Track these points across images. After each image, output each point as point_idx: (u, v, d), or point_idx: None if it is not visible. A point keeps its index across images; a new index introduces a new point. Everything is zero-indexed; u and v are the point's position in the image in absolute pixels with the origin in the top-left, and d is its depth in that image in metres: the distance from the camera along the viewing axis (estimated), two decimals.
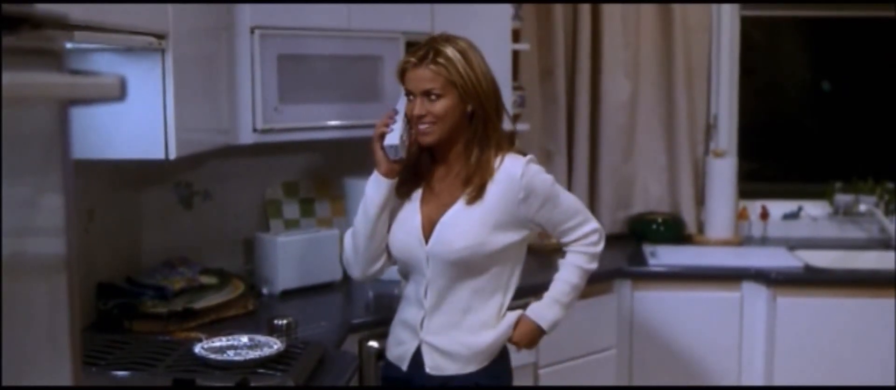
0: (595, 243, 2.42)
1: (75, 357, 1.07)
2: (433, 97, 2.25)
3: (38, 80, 0.93)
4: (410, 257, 2.35)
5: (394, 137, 2.29)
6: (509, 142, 2.38)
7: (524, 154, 2.34)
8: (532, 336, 2.40)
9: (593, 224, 2.42)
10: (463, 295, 2.30)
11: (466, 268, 2.28)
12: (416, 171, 2.38)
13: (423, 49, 2.28)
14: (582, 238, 2.40)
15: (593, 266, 2.44)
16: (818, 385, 3.40)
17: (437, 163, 2.37)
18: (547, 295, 2.41)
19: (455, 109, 2.26)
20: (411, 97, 2.29)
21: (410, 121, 2.30)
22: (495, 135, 2.32)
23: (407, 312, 2.39)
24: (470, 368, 2.32)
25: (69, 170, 1.04)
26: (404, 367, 2.37)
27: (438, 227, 2.29)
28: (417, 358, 2.35)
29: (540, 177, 2.31)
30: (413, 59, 2.28)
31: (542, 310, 2.39)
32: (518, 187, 2.27)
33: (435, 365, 2.33)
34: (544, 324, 2.39)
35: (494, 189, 2.28)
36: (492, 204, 2.27)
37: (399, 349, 2.40)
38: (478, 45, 2.34)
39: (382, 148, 2.32)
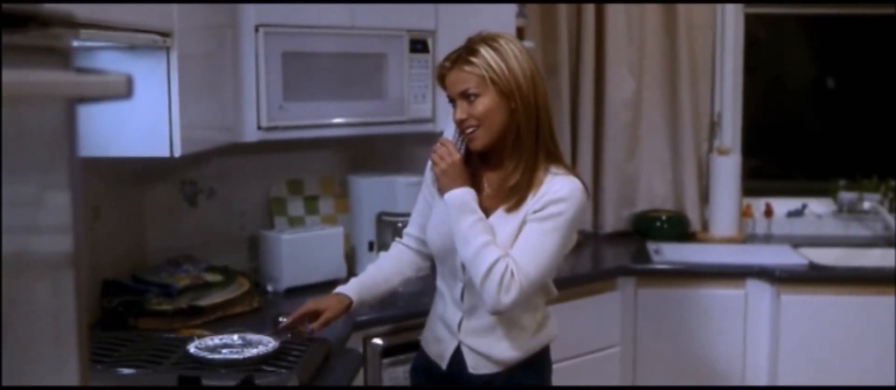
0: (508, 286, 2.14)
1: (82, 355, 1.08)
2: (471, 98, 2.19)
3: (45, 78, 0.93)
4: (447, 257, 2.31)
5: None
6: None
7: (581, 179, 2.25)
8: (454, 172, 2.22)
9: (523, 282, 2.14)
10: (509, 312, 2.22)
11: None
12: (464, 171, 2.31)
13: (458, 51, 2.24)
14: (513, 269, 2.15)
15: (488, 287, 2.13)
16: (823, 383, 3.40)
17: (490, 165, 2.31)
18: (483, 221, 2.21)
19: (497, 109, 2.18)
20: (453, 103, 2.25)
21: (459, 129, 2.25)
22: (542, 138, 2.21)
23: (444, 310, 2.36)
24: (512, 366, 2.30)
25: (76, 167, 1.05)
26: (444, 366, 2.35)
27: None
28: (457, 357, 2.32)
29: (568, 210, 2.18)
30: (447, 63, 2.23)
31: (470, 197, 2.21)
32: (543, 200, 2.19)
33: (477, 365, 2.31)
34: (457, 192, 2.21)
35: (532, 202, 2.21)
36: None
37: (438, 346, 2.38)
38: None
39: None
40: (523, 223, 2.21)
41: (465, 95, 2.20)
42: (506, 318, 2.26)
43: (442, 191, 2.25)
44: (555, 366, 3.20)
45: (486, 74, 2.17)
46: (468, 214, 2.19)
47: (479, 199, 2.26)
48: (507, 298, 2.14)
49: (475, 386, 2.31)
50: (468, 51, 2.20)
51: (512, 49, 2.20)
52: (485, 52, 2.18)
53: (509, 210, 2.23)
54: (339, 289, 2.42)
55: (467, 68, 2.18)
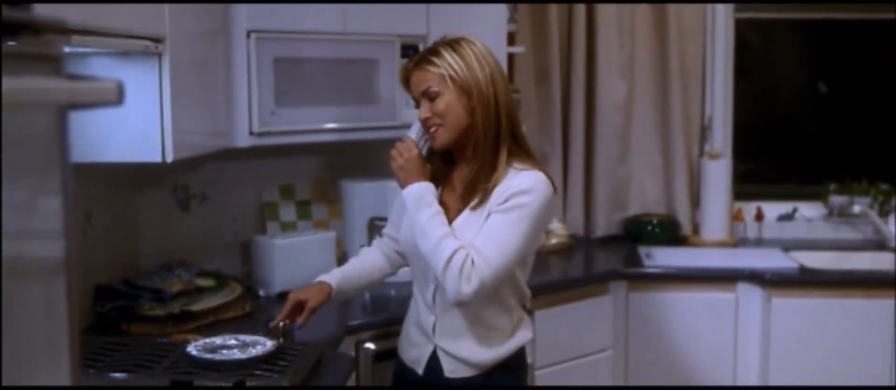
0: (468, 275, 2.14)
1: (74, 359, 1.08)
2: (432, 96, 2.23)
3: (37, 85, 0.94)
4: (419, 260, 2.32)
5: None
6: (526, 151, 2.29)
7: (547, 174, 2.25)
8: (411, 167, 2.25)
9: (485, 271, 2.13)
10: (472, 303, 2.23)
11: None
12: (433, 173, 2.33)
13: (421, 53, 2.30)
14: (472, 258, 2.15)
15: (449, 277, 2.14)
16: (813, 385, 3.42)
17: (457, 163, 2.34)
18: (441, 215, 2.23)
19: (457, 105, 2.22)
20: (417, 104, 2.29)
21: (424, 128, 2.29)
22: (503, 136, 2.24)
23: (418, 314, 2.37)
24: (489, 369, 2.31)
25: (68, 173, 1.05)
26: (420, 371, 2.36)
27: None
28: (433, 362, 2.33)
29: (533, 202, 2.19)
30: (410, 64, 2.29)
31: (427, 191, 2.24)
32: (506, 193, 2.20)
33: (453, 368, 2.31)
34: (414, 187, 2.24)
35: (496, 196, 2.22)
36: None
37: (414, 352, 2.39)
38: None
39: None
40: (488, 218, 2.22)
41: (427, 94, 2.25)
42: (481, 320, 2.28)
43: (400, 186, 2.28)
44: (546, 370, 3.23)
45: (445, 72, 2.22)
46: (426, 208, 2.22)
47: (448, 200, 2.30)
48: (469, 288, 2.14)
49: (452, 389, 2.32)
50: (430, 52, 2.26)
51: (473, 50, 2.25)
52: (446, 52, 2.24)
53: (474, 208, 2.24)
54: (321, 277, 2.45)
55: (429, 68, 2.24)
